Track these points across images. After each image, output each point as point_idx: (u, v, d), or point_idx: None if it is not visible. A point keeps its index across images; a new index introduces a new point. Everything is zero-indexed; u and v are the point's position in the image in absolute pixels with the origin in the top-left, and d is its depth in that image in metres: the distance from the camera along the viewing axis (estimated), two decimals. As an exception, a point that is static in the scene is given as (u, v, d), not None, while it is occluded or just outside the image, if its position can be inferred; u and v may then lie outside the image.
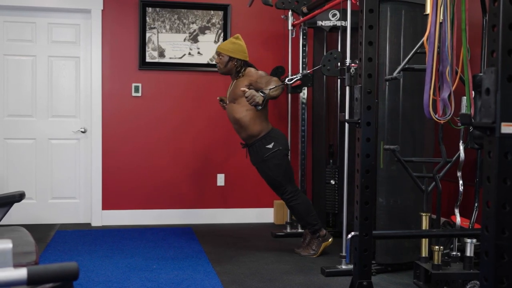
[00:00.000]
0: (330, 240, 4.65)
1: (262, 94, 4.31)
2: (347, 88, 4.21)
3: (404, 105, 4.11)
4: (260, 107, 4.34)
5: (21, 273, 1.24)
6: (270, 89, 4.36)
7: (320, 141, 5.46)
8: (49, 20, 5.74)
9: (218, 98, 4.89)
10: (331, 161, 5.36)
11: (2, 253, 1.24)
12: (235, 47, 4.60)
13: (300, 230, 5.35)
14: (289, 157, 4.72)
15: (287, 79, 4.63)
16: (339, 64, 4.39)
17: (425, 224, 3.63)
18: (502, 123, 1.70)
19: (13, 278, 1.23)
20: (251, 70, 4.61)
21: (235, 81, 4.65)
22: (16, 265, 1.26)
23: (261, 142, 4.58)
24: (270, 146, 4.55)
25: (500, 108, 1.69)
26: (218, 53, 4.66)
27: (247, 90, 4.32)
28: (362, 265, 3.02)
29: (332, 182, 5.27)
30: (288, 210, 5.50)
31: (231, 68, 4.63)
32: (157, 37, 5.80)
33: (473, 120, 1.88)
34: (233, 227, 5.82)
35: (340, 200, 5.21)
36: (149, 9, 5.78)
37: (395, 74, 3.35)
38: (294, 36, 5.43)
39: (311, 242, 4.65)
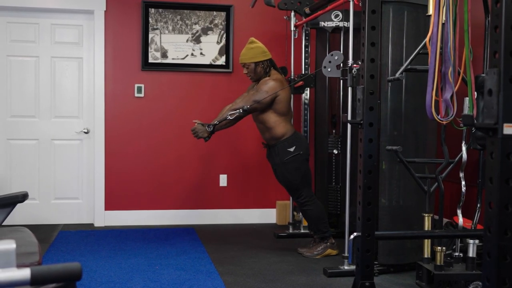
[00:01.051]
0: (335, 251, 4.64)
1: (208, 128, 4.54)
2: (350, 89, 4.21)
3: (407, 106, 4.11)
4: (207, 139, 4.64)
5: (25, 273, 1.24)
6: (220, 121, 4.56)
7: (322, 141, 5.45)
8: (52, 21, 5.75)
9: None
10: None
11: (6, 254, 1.25)
12: (254, 51, 4.60)
13: (302, 231, 5.35)
14: (308, 162, 4.72)
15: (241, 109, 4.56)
16: (341, 65, 4.39)
17: (427, 225, 3.63)
18: (505, 124, 1.70)
19: (17, 278, 1.24)
20: (272, 75, 4.63)
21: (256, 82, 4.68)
22: (20, 266, 1.26)
23: (283, 145, 4.58)
24: (292, 149, 4.57)
25: (502, 109, 1.69)
26: (243, 64, 4.66)
27: (194, 126, 4.62)
28: (364, 265, 3.02)
29: (335, 151, 5.27)
30: (291, 211, 5.51)
31: (261, 72, 4.64)
32: (160, 38, 5.81)
33: (475, 121, 1.88)
34: (235, 227, 5.82)
35: (342, 201, 5.21)
36: (152, 10, 5.78)
37: (397, 75, 3.35)
38: (296, 37, 5.43)
39: (318, 245, 4.65)
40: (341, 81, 5.11)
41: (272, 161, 4.71)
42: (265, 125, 4.61)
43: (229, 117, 4.53)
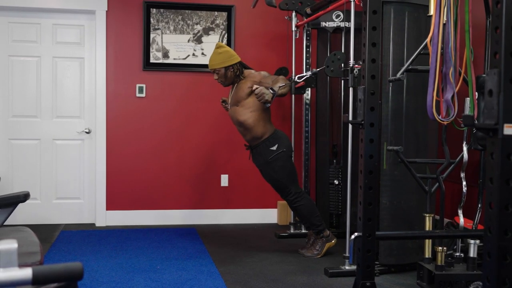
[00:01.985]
0: (334, 241, 4.65)
1: (271, 92, 4.37)
2: (351, 89, 4.21)
3: (408, 106, 4.11)
4: (269, 104, 4.44)
5: (26, 273, 1.25)
6: (280, 86, 4.40)
7: (323, 142, 5.46)
8: (54, 21, 5.76)
9: (221, 99, 4.90)
10: (334, 161, 5.36)
11: (8, 253, 1.25)
12: (223, 56, 4.60)
13: (303, 231, 5.35)
14: (292, 158, 4.73)
15: (296, 76, 4.66)
16: (342, 65, 4.40)
17: (428, 225, 3.64)
18: (505, 125, 1.70)
19: (18, 278, 1.24)
20: (251, 72, 4.64)
21: (236, 84, 4.66)
22: (21, 265, 1.27)
23: (265, 144, 4.58)
24: (274, 148, 4.56)
25: (502, 109, 1.70)
26: (213, 70, 4.66)
27: (257, 86, 4.38)
28: (365, 265, 3.02)
29: (336, 182, 5.27)
30: (292, 211, 5.51)
31: (232, 76, 4.63)
32: (161, 38, 5.82)
33: (476, 122, 1.88)
34: (236, 227, 5.82)
35: (343, 201, 5.22)
36: (153, 10, 5.79)
37: (398, 75, 3.36)
38: (297, 37, 5.44)
39: (315, 243, 4.65)
40: (342, 81, 5.13)
41: (256, 162, 4.71)
42: (244, 126, 4.60)
43: (284, 82, 4.45)
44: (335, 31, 5.34)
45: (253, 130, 4.58)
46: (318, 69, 4.87)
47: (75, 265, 1.30)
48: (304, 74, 4.74)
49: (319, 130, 5.50)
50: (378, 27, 3.00)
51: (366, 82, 3.00)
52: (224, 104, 4.86)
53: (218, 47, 4.65)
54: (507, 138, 1.71)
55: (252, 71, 4.65)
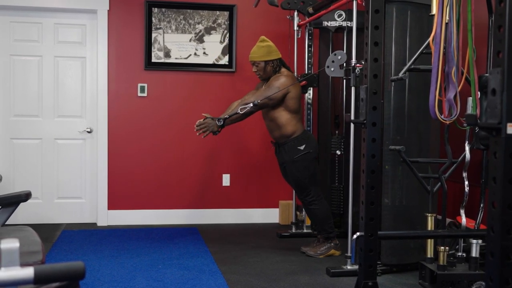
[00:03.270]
0: (338, 252, 4.64)
1: (218, 122, 4.46)
2: (353, 89, 4.21)
3: (410, 105, 4.11)
4: (217, 133, 4.56)
5: (28, 272, 1.24)
6: (230, 115, 4.50)
7: (325, 142, 5.45)
8: (55, 21, 5.76)
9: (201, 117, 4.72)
10: (336, 132, 5.35)
11: (10, 252, 1.25)
12: (265, 50, 4.60)
13: (305, 231, 5.35)
14: (317, 160, 4.72)
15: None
16: (344, 64, 4.40)
17: (430, 225, 3.63)
18: (508, 124, 1.70)
19: (20, 277, 1.24)
20: (283, 72, 4.62)
21: (266, 81, 4.67)
22: (23, 264, 1.26)
23: (293, 143, 4.58)
24: (302, 147, 4.56)
25: (506, 108, 1.69)
26: (253, 62, 4.65)
27: (200, 121, 4.54)
28: (367, 265, 3.02)
29: (338, 152, 5.25)
30: (294, 211, 5.51)
31: (270, 70, 4.63)
32: (163, 37, 5.82)
33: (479, 121, 1.88)
34: (238, 227, 5.82)
35: (345, 201, 5.21)
36: (155, 10, 5.79)
37: (400, 74, 3.35)
38: (299, 36, 5.43)
39: (322, 244, 4.64)
40: (344, 80, 5.12)
41: (281, 159, 4.70)
42: (275, 122, 4.59)
43: (239, 111, 4.47)
44: (337, 31, 5.33)
45: (284, 128, 4.57)
46: (308, 74, 4.88)
47: (77, 265, 1.30)
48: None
49: (321, 129, 5.49)
50: (381, 26, 3.00)
51: (368, 81, 2.99)
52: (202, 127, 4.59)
53: (261, 40, 4.67)
54: (510, 137, 1.70)
55: (284, 72, 4.63)
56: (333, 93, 5.41)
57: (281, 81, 4.50)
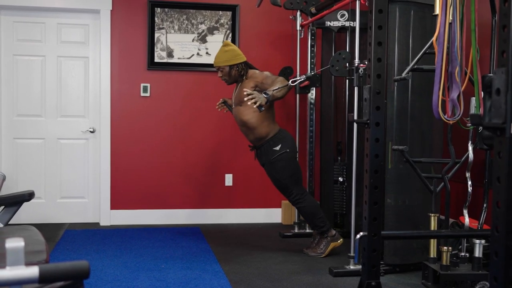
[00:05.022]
0: (340, 241, 4.63)
1: (265, 96, 4.31)
2: (356, 89, 4.21)
3: (413, 105, 4.10)
4: (263, 109, 4.31)
5: (33, 271, 1.25)
6: (274, 90, 4.37)
7: (328, 141, 5.45)
8: (58, 21, 5.77)
9: (221, 100, 4.89)
10: (339, 158, 5.36)
11: (15, 252, 1.25)
12: (229, 54, 4.61)
13: (308, 230, 5.35)
14: (297, 158, 4.71)
15: (291, 80, 4.60)
16: (347, 64, 4.39)
17: (433, 225, 3.63)
18: (512, 124, 1.69)
19: (25, 276, 1.24)
20: (255, 72, 4.63)
21: (240, 84, 4.66)
22: (27, 264, 1.27)
23: (268, 144, 4.58)
24: (277, 148, 4.55)
25: (510, 108, 1.69)
26: (217, 68, 4.67)
27: (249, 91, 4.30)
28: (370, 265, 3.02)
29: (340, 179, 5.25)
30: (296, 211, 5.51)
31: (236, 75, 4.65)
32: (166, 37, 5.82)
33: (482, 121, 1.87)
34: (241, 227, 5.82)
35: (348, 201, 5.21)
36: (158, 10, 5.79)
37: (404, 74, 3.34)
38: (302, 36, 5.43)
39: (320, 242, 4.64)
40: (347, 80, 5.12)
41: (260, 161, 4.72)
42: (247, 126, 4.60)
43: (290, 83, 4.46)
44: (340, 31, 5.33)
45: (257, 130, 4.57)
46: (316, 71, 4.86)
47: (82, 264, 1.30)
48: (299, 78, 4.71)
49: (323, 129, 5.50)
50: (384, 26, 2.99)
51: (371, 81, 2.99)
52: (222, 105, 4.85)
53: (225, 45, 4.66)
54: (514, 137, 1.70)
55: (256, 71, 4.65)
56: (335, 94, 5.40)
57: (265, 73, 4.58)
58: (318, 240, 4.67)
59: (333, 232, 4.64)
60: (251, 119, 4.56)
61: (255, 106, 4.27)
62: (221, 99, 4.92)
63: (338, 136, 5.44)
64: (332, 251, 4.63)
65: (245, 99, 4.29)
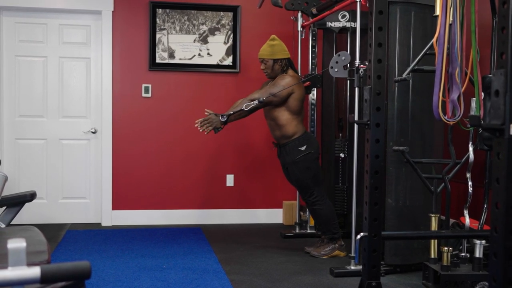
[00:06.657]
0: (343, 253, 4.63)
1: (221, 118, 4.41)
2: (356, 90, 4.21)
3: (413, 106, 4.11)
4: (219, 130, 4.47)
5: (35, 271, 1.25)
6: (233, 112, 4.47)
7: (329, 141, 5.45)
8: (60, 21, 5.78)
9: (207, 112, 4.59)
10: (340, 135, 5.35)
11: (16, 252, 1.26)
12: (275, 49, 4.62)
13: (309, 231, 5.36)
14: (319, 161, 4.72)
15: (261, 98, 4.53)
16: (348, 65, 4.40)
17: (434, 225, 3.63)
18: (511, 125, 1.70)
19: (27, 276, 1.25)
20: (289, 73, 4.63)
21: (272, 80, 4.68)
22: (29, 264, 1.27)
23: (294, 144, 4.59)
24: (303, 148, 4.56)
25: (509, 109, 1.70)
26: (262, 60, 4.66)
27: (200, 119, 4.44)
28: (371, 265, 3.02)
29: (342, 155, 5.24)
30: (297, 211, 5.51)
31: (278, 69, 4.64)
32: (167, 38, 5.83)
33: (482, 122, 1.88)
34: (242, 227, 5.83)
35: (348, 201, 5.21)
36: (159, 10, 5.80)
37: (404, 75, 3.36)
38: (303, 37, 5.44)
39: (326, 245, 4.64)
40: (348, 81, 5.12)
41: (283, 160, 4.71)
42: (276, 122, 4.61)
43: (244, 108, 4.47)
44: (341, 32, 5.33)
45: (284, 128, 4.58)
46: (312, 74, 4.87)
47: (83, 264, 1.31)
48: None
49: (324, 130, 5.50)
50: (384, 27, 3.00)
51: (372, 82, 3.00)
52: (206, 123, 4.50)
53: (271, 39, 4.69)
54: (513, 138, 1.71)
55: (291, 73, 4.64)
56: (336, 94, 5.41)
57: (286, 80, 4.52)
58: (325, 242, 4.67)
59: (342, 242, 4.65)
60: (282, 116, 4.57)
61: (206, 133, 4.45)
62: (207, 112, 4.51)
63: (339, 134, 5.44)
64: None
65: (197, 125, 4.42)
